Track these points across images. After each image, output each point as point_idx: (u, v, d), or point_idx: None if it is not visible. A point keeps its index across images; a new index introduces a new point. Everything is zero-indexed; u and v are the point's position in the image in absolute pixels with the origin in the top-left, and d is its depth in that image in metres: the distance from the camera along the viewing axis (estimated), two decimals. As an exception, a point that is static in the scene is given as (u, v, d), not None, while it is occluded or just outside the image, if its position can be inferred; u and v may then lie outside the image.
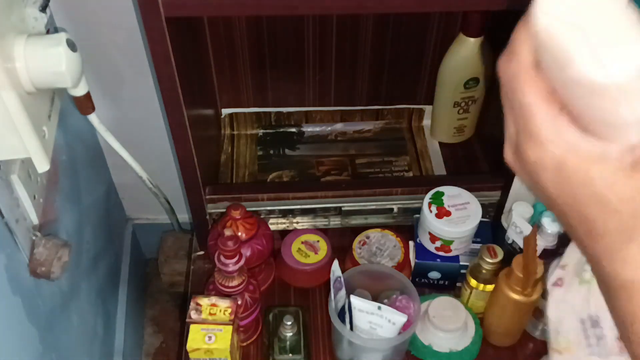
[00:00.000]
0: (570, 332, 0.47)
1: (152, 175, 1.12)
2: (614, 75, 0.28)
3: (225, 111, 1.18)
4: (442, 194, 0.95)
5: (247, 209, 0.94)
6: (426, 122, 1.22)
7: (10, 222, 0.72)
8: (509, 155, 0.36)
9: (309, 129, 1.21)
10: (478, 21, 0.98)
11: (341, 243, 1.02)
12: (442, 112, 1.15)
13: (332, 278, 0.83)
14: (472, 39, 1.00)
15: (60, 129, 0.94)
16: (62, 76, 0.69)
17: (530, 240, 0.77)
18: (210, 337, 0.79)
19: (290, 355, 0.91)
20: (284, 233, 1.03)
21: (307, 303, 0.99)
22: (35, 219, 0.79)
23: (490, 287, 0.90)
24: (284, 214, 1.05)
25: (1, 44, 0.63)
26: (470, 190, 0.96)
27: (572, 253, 0.48)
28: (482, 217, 0.94)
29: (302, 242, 1.00)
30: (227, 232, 0.83)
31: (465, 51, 1.01)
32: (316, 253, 0.99)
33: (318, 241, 1.01)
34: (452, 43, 1.04)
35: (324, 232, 1.02)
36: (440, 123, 1.17)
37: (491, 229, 0.99)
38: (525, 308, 0.86)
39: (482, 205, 0.94)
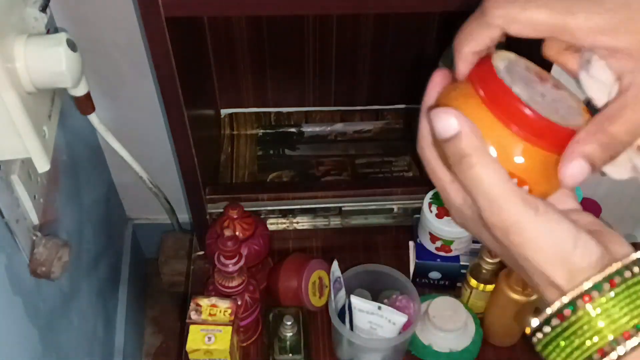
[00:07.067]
0: None
1: (152, 175, 1.12)
2: None
3: (225, 111, 1.18)
4: (442, 194, 0.95)
5: (247, 209, 0.94)
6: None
7: (10, 222, 0.72)
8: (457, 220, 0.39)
9: (308, 129, 1.21)
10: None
11: (341, 243, 1.02)
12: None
13: (332, 278, 0.83)
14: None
15: (60, 129, 0.94)
16: (62, 76, 0.69)
17: None
18: (209, 338, 0.79)
19: (290, 355, 0.91)
20: (284, 233, 1.03)
21: (307, 303, 0.99)
22: (35, 219, 0.79)
23: (490, 287, 0.90)
24: (284, 214, 1.05)
25: (1, 44, 0.63)
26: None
27: None
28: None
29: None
30: (227, 233, 0.83)
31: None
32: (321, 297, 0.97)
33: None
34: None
35: (323, 232, 1.02)
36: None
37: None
38: (525, 308, 0.86)
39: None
